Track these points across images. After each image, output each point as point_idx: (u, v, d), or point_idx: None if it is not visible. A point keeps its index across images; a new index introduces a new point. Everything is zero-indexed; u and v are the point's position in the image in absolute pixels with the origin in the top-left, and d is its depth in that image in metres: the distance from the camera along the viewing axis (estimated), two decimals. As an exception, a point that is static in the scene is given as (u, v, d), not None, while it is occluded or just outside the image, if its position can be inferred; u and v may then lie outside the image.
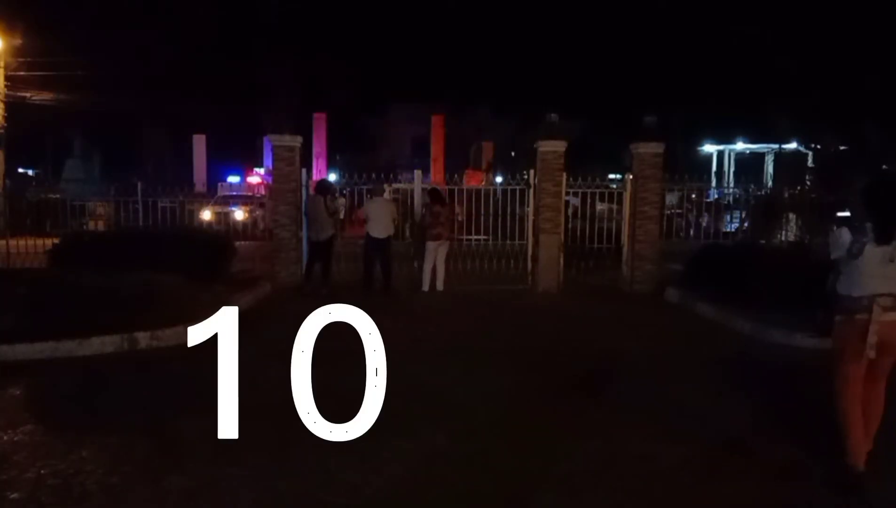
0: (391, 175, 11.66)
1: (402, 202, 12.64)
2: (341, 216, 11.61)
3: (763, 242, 11.92)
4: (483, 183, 20.69)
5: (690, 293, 9.63)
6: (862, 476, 3.75)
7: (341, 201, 12.43)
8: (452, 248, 11.15)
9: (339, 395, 5.02)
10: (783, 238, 13.30)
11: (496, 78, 28.33)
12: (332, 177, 27.84)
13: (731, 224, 15.15)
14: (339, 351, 6.79)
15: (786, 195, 13.60)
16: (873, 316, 3.71)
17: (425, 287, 10.53)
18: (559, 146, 11.28)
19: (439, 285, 10.60)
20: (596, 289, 11.05)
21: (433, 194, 10.69)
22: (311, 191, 10.87)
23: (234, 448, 4.09)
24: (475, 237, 12.39)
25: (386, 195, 11.12)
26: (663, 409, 5.02)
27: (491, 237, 12.51)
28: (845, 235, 3.86)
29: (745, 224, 14.31)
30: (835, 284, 3.99)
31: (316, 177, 22.08)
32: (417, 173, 12.17)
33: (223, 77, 28.85)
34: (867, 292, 3.75)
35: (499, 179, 20.43)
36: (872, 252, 3.72)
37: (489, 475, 3.78)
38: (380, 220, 10.13)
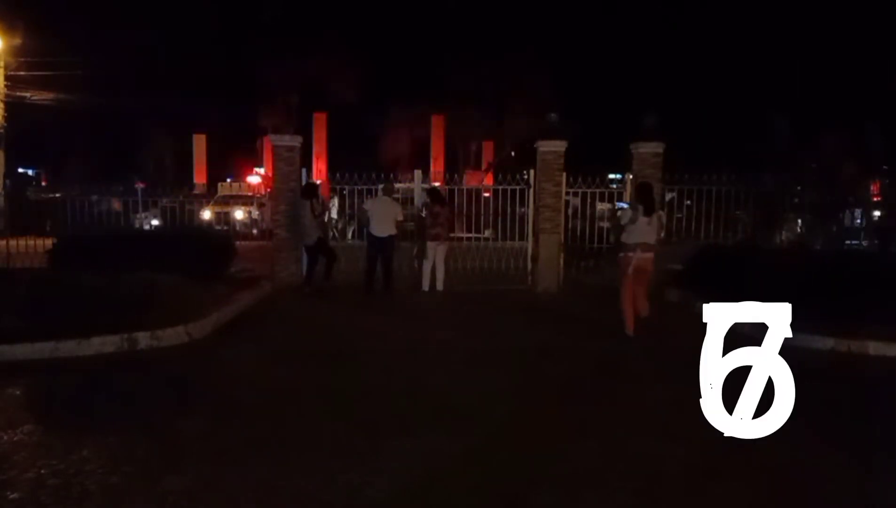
0: (391, 175, 11.65)
1: (403, 202, 12.64)
2: (335, 215, 11.57)
3: (763, 242, 11.93)
4: (482, 183, 20.68)
5: (690, 293, 9.63)
6: (631, 336, 7.37)
7: (334, 200, 12.43)
8: (452, 248, 11.15)
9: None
10: (783, 238, 13.31)
11: (496, 78, 28.19)
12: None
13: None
14: (338, 352, 6.81)
15: (786, 195, 13.59)
16: (636, 254, 7.27)
17: (425, 287, 10.54)
18: (559, 146, 11.28)
19: (439, 286, 10.60)
20: (596, 289, 11.04)
21: (433, 194, 10.67)
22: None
23: (234, 448, 4.09)
24: (473, 235, 12.40)
25: (380, 194, 11.07)
26: (663, 409, 5.02)
27: (491, 238, 12.52)
28: (628, 211, 7.37)
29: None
30: (619, 237, 7.40)
31: (316, 177, 22.07)
32: (417, 173, 12.17)
33: (223, 77, 28.82)
34: (636, 241, 7.26)
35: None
36: (642, 220, 7.21)
37: (489, 475, 3.78)
38: (381, 219, 10.12)
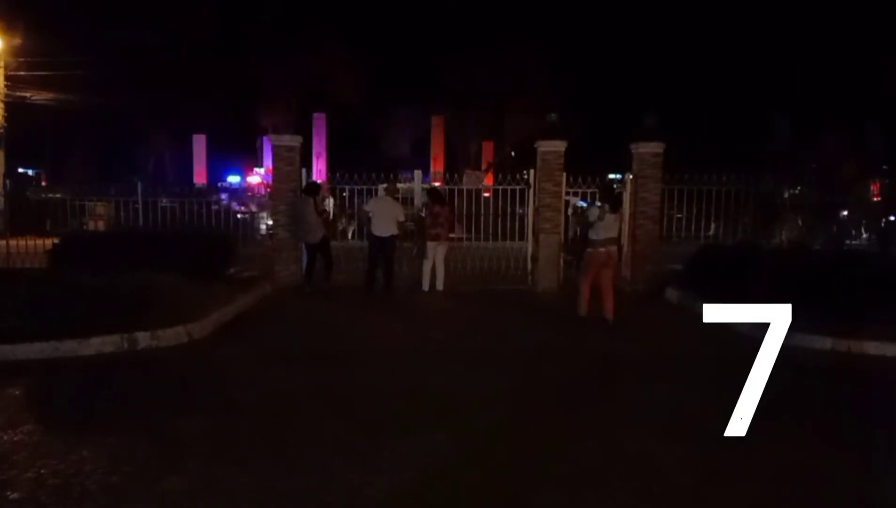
0: (391, 175, 11.65)
1: (403, 202, 12.63)
2: (330, 217, 11.57)
3: (763, 242, 11.93)
4: (482, 183, 20.66)
5: (690, 293, 9.63)
6: (584, 318, 8.21)
7: (329, 200, 12.41)
8: (452, 248, 11.15)
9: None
10: (783, 238, 13.31)
11: (496, 78, 28.21)
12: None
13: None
14: (339, 352, 6.81)
15: (786, 195, 13.60)
16: (605, 249, 7.93)
17: (425, 287, 10.54)
18: (559, 146, 11.28)
19: (439, 285, 10.60)
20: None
21: (433, 194, 10.67)
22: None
23: (234, 448, 4.10)
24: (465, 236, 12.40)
25: (381, 193, 11.08)
26: (663, 409, 5.02)
27: (491, 238, 12.52)
28: (596, 209, 7.98)
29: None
30: (585, 234, 8.02)
31: (316, 177, 22.07)
32: (417, 173, 12.17)
33: (223, 77, 28.80)
34: (602, 237, 7.91)
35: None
36: (609, 217, 7.92)
37: (489, 475, 3.78)
38: (382, 218, 10.12)
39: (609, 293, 8.03)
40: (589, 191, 11.53)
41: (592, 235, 7.92)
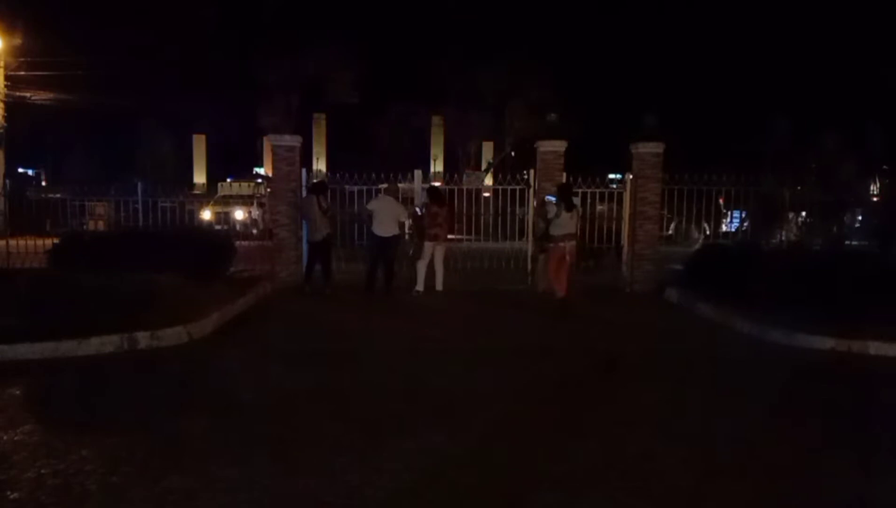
0: (391, 175, 11.63)
1: (402, 202, 12.62)
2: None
3: (763, 242, 11.93)
4: (482, 183, 20.66)
5: (690, 293, 9.63)
6: (559, 299, 8.93)
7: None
8: (451, 248, 11.14)
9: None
10: (783, 238, 13.31)
11: (496, 78, 28.20)
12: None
13: (731, 224, 15.15)
14: (339, 352, 6.81)
15: (786, 195, 13.59)
16: (565, 243, 8.85)
17: (419, 287, 10.49)
18: (559, 146, 11.28)
19: (438, 286, 10.58)
20: (596, 289, 11.04)
21: (432, 194, 10.64)
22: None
23: (234, 448, 4.10)
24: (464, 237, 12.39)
25: (383, 193, 11.07)
26: (663, 409, 5.02)
27: (491, 238, 12.52)
28: (553, 207, 8.93)
29: (745, 224, 14.33)
30: (546, 230, 8.99)
31: (315, 177, 22.04)
32: (417, 173, 12.16)
33: (223, 77, 28.80)
34: (561, 233, 8.84)
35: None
36: (565, 215, 8.82)
37: (489, 475, 3.78)
38: (384, 218, 10.10)
39: (566, 278, 9.07)
40: (589, 191, 11.55)
41: (552, 231, 8.96)
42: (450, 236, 11.25)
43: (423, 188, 11.52)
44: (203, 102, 29.29)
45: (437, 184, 12.35)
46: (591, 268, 11.84)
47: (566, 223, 8.89)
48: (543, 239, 9.24)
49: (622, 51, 30.12)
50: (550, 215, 8.99)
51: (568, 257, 8.93)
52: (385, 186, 10.94)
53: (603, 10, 29.37)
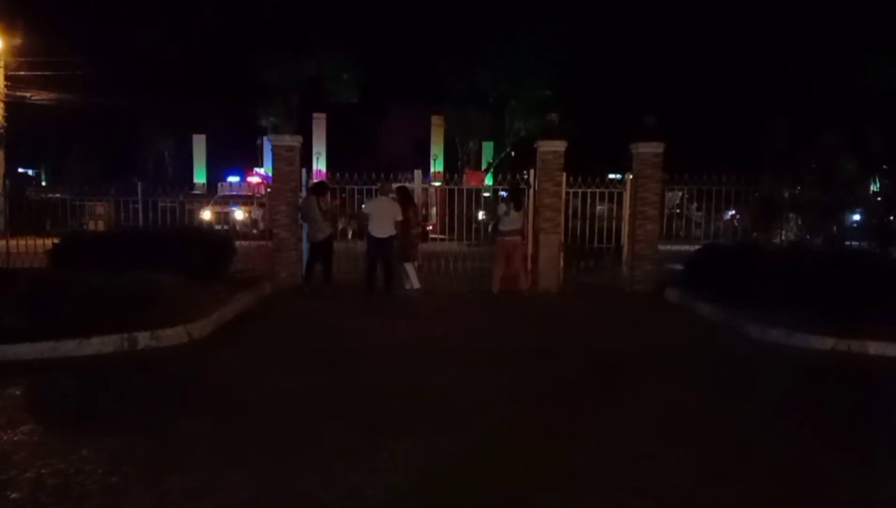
0: (391, 175, 11.61)
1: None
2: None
3: (762, 241, 11.93)
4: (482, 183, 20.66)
5: (690, 293, 9.63)
6: (498, 293, 10.11)
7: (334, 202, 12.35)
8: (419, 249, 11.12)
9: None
10: (783, 238, 13.31)
11: (496, 77, 28.19)
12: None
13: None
14: (339, 352, 6.81)
15: (786, 195, 13.60)
16: (510, 238, 10.04)
17: (406, 286, 10.49)
18: (559, 146, 11.28)
19: (415, 284, 10.55)
20: (596, 289, 11.05)
21: (401, 193, 10.59)
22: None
23: (234, 448, 4.09)
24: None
25: (380, 195, 11.03)
26: (663, 409, 5.02)
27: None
28: (503, 205, 10.10)
29: (737, 218, 14.37)
30: (496, 226, 10.12)
31: (316, 177, 22.04)
32: (417, 173, 12.15)
33: (223, 77, 28.80)
34: (508, 228, 10.02)
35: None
36: (512, 213, 10.00)
37: (489, 475, 3.78)
38: (381, 219, 10.11)
39: (520, 272, 10.26)
40: (589, 191, 11.55)
41: (501, 226, 10.06)
42: (439, 237, 11.37)
43: (422, 188, 11.51)
44: (203, 102, 29.29)
45: (406, 184, 12.04)
46: (592, 268, 11.84)
47: (514, 220, 10.08)
48: (493, 233, 10.39)
49: (622, 51, 30.13)
50: (500, 212, 10.06)
51: (515, 252, 10.11)
52: (378, 186, 10.89)
53: (603, 11, 29.36)
